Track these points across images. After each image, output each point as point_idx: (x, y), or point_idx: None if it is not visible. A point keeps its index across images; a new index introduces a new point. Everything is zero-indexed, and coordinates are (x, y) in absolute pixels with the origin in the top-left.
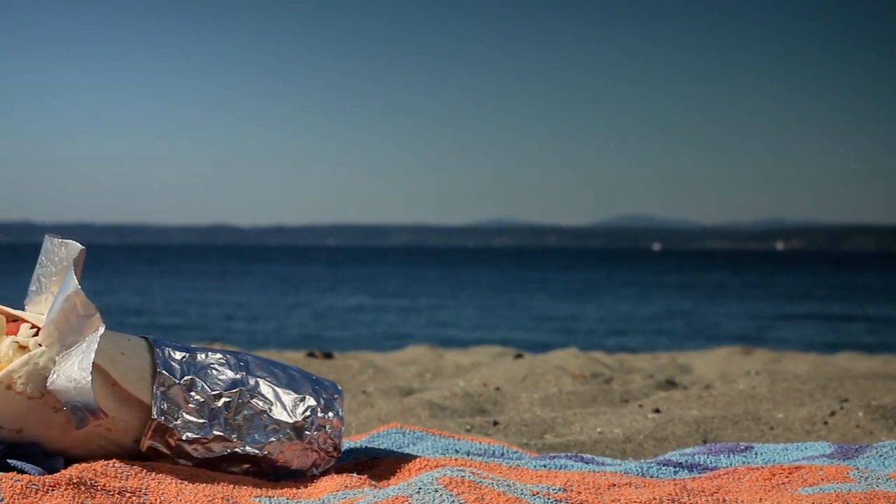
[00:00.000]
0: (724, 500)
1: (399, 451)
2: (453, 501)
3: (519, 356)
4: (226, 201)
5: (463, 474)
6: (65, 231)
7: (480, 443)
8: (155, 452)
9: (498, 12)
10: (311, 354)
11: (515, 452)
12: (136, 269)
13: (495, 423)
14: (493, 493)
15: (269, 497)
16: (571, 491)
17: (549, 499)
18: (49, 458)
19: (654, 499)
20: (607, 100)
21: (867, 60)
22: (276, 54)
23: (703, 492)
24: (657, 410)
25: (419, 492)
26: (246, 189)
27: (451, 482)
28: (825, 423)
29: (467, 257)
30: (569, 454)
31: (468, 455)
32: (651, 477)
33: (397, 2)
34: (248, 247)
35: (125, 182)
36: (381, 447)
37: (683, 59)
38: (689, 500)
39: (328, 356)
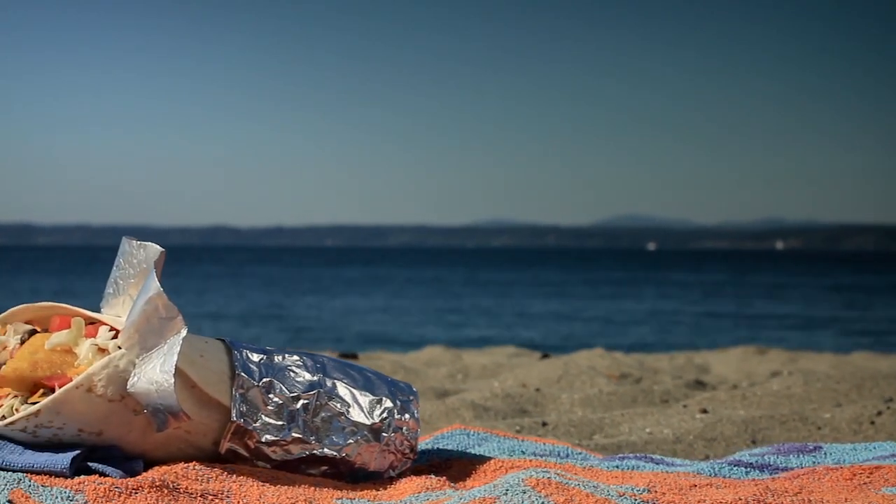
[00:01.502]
0: (810, 501)
1: (468, 452)
2: (542, 503)
3: (545, 356)
4: (224, 202)
5: (548, 475)
6: (64, 232)
7: (544, 444)
8: (234, 455)
9: (497, 12)
10: (343, 356)
11: (580, 454)
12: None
13: (544, 424)
14: (581, 495)
15: (351, 499)
16: (656, 492)
17: (635, 500)
18: (129, 461)
19: (740, 499)
20: (607, 100)
21: (866, 60)
22: (275, 55)
23: (786, 492)
24: (704, 411)
25: (506, 493)
26: (245, 190)
27: (538, 483)
28: (872, 422)
29: (467, 257)
30: (637, 455)
31: (534, 456)
32: (724, 477)
33: (397, 2)
34: (246, 247)
35: (124, 183)
36: (448, 448)
37: (682, 59)
38: (774, 500)
39: (353, 357)
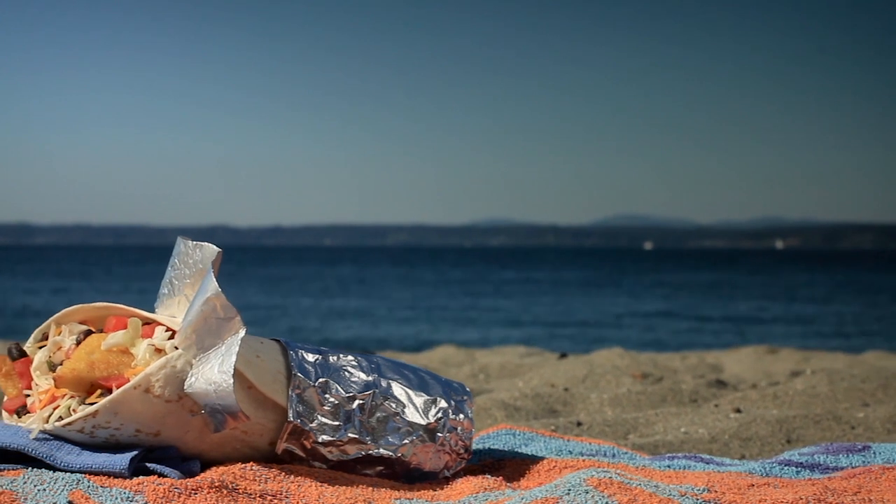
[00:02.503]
0: (870, 500)
1: (519, 452)
2: (605, 502)
3: (564, 356)
4: (223, 202)
5: (609, 475)
6: (63, 232)
7: (590, 443)
8: (290, 455)
9: (497, 13)
10: None
11: (626, 454)
12: (140, 270)
13: (579, 424)
14: (644, 494)
15: (409, 499)
16: (716, 491)
17: (696, 499)
18: (186, 462)
19: (800, 499)
20: (606, 99)
21: (865, 60)
22: (274, 55)
23: (845, 491)
24: (738, 410)
25: (569, 493)
26: (243, 190)
27: (600, 483)
28: None
29: (465, 257)
30: (686, 454)
31: (582, 456)
32: (776, 476)
33: (397, 2)
34: (245, 247)
35: (123, 183)
36: (496, 448)
37: (681, 59)
38: (835, 499)
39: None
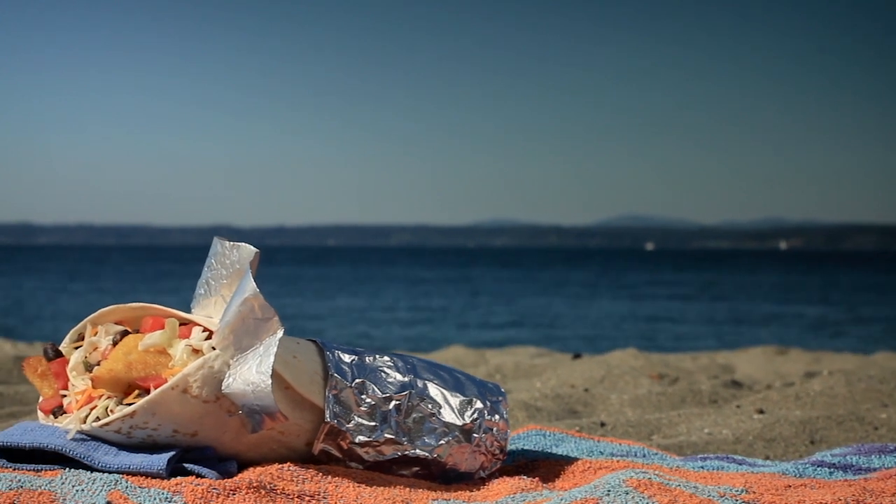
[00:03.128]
0: None
1: (550, 452)
2: (646, 503)
3: (577, 356)
4: (226, 202)
5: (649, 476)
6: (65, 232)
7: (620, 444)
8: (326, 456)
9: (499, 13)
10: None
11: (657, 454)
12: (145, 271)
13: (602, 425)
14: (684, 495)
15: (446, 500)
16: (754, 492)
17: (736, 500)
18: (223, 462)
19: (839, 500)
20: (609, 100)
21: (866, 60)
22: (277, 55)
23: (884, 492)
24: (761, 411)
25: (608, 493)
26: (246, 190)
27: (639, 484)
28: None
29: (468, 257)
30: (718, 455)
31: (613, 456)
32: (809, 477)
33: (399, 2)
34: None
35: (125, 183)
36: (526, 449)
37: (683, 59)
38: (873, 500)
39: None
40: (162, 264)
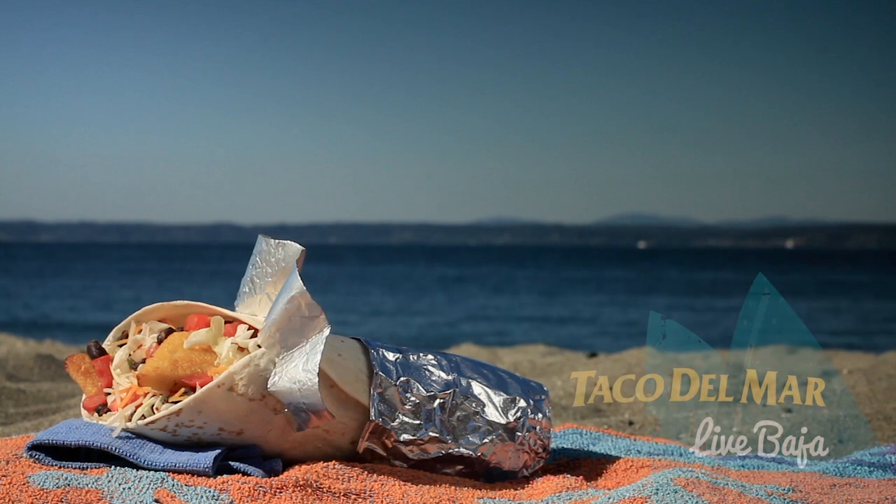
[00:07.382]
0: None
1: (592, 451)
2: (696, 502)
3: (593, 355)
4: (228, 200)
5: (696, 475)
6: (67, 229)
7: (656, 443)
8: (371, 454)
9: (499, 12)
10: None
11: (693, 452)
12: (147, 268)
13: (630, 423)
14: (733, 494)
15: (492, 498)
16: (801, 491)
17: (784, 499)
18: (268, 460)
19: (886, 499)
20: (611, 98)
21: (868, 59)
22: (278, 53)
23: None
24: (788, 410)
25: (657, 492)
26: (248, 187)
27: (688, 483)
28: None
29: (469, 255)
30: (754, 454)
31: (650, 455)
32: (849, 476)
33: (399, 2)
34: (249, 245)
35: (127, 181)
36: (567, 447)
37: (685, 58)
38: None
39: None
40: (165, 262)
